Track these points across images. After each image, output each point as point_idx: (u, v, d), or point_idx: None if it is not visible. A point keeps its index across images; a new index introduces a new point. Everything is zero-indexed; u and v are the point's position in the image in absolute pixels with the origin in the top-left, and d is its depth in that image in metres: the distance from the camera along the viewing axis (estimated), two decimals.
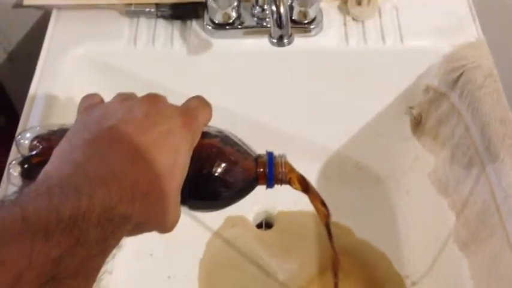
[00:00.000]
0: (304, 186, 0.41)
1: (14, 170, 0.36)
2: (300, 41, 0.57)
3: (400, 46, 0.59)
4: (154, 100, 0.34)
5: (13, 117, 0.82)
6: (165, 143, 0.32)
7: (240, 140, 0.39)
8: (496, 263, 0.48)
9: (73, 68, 0.58)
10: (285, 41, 0.48)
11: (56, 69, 0.57)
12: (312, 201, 0.43)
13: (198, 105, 0.36)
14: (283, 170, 0.39)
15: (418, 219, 0.67)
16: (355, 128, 0.69)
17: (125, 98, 0.35)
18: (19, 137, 0.38)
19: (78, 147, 0.30)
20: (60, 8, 0.62)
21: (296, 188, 0.41)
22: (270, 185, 0.39)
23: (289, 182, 0.40)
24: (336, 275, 0.47)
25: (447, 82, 0.58)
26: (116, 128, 0.31)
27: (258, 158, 0.39)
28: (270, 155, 0.39)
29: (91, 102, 0.36)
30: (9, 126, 0.81)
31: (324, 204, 0.43)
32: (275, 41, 0.49)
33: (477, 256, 0.51)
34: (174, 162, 0.32)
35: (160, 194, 0.31)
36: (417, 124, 0.65)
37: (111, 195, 0.28)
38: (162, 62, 0.61)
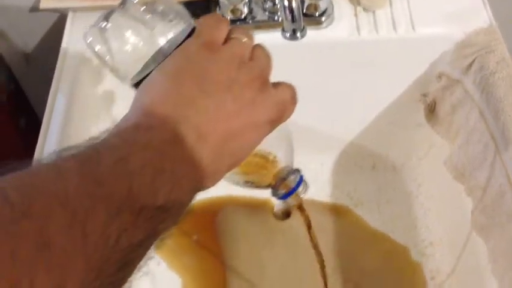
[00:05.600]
0: (308, 224, 0.44)
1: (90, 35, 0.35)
2: (311, 33, 0.57)
3: (412, 34, 0.60)
4: (264, 85, 0.33)
5: (33, 119, 0.84)
6: (250, 135, 0.31)
7: (291, 143, 0.39)
8: None
9: (90, 69, 0.59)
10: (298, 34, 0.49)
11: (74, 71, 0.58)
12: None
13: (289, 100, 0.34)
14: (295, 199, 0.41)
15: (435, 206, 0.67)
16: (369, 117, 0.70)
17: (242, 62, 0.33)
18: None
19: (188, 100, 0.29)
20: (75, 10, 0.63)
21: (303, 219, 0.44)
22: (278, 198, 0.41)
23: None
24: None
25: (460, 69, 0.58)
26: (225, 100, 0.30)
27: (286, 175, 0.40)
28: (298, 183, 0.40)
29: (216, 38, 0.33)
30: (29, 128, 0.83)
31: (319, 252, 0.45)
32: (288, 35, 0.49)
33: (495, 241, 0.52)
34: (242, 157, 0.32)
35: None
36: (431, 112, 0.65)
37: (186, 192, 0.28)
38: None
